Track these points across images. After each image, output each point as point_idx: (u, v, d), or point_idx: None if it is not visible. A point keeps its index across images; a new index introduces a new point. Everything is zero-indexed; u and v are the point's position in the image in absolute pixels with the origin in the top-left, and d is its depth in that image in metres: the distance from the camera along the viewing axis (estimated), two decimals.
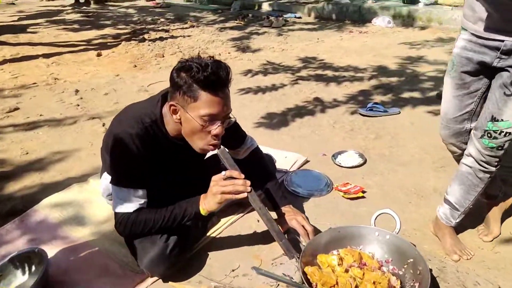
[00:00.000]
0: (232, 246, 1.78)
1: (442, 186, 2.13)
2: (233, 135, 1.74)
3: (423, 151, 2.49)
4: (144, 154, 1.42)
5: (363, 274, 1.28)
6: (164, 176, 1.58)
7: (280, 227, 1.51)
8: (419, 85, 3.61)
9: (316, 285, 1.23)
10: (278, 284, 1.58)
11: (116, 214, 1.48)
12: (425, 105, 3.15)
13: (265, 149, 2.66)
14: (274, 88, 3.69)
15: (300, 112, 3.16)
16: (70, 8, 8.94)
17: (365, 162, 2.42)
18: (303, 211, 1.95)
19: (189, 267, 1.65)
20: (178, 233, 1.53)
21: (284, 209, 1.69)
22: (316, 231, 1.65)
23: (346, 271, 1.30)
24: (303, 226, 1.58)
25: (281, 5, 7.91)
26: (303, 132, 2.84)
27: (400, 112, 3.03)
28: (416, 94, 3.39)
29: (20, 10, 8.77)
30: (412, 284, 1.22)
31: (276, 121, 3.01)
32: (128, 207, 1.44)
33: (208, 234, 1.84)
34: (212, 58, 1.36)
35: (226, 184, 1.37)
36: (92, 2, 9.40)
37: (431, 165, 2.34)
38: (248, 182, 1.38)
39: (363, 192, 2.11)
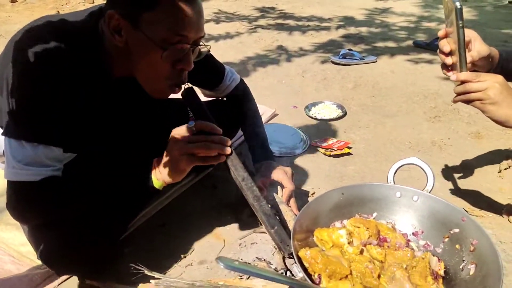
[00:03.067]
0: (183, 222, 1.28)
1: (440, 139, 1.75)
2: (208, 69, 1.21)
3: (411, 101, 2.10)
4: (67, 93, 0.84)
5: (385, 256, 0.83)
6: (97, 133, 1.00)
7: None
8: (391, 34, 3.22)
9: (320, 278, 0.77)
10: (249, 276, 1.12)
11: (10, 184, 0.87)
12: (403, 54, 2.76)
13: None
14: (229, 36, 3.13)
15: (262, 61, 2.65)
16: None
17: (345, 114, 1.98)
18: None
19: (120, 255, 1.13)
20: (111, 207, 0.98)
21: (267, 163, 1.22)
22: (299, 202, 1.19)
23: (361, 252, 0.84)
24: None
25: None
26: (267, 83, 2.34)
27: (377, 60, 2.62)
28: (390, 44, 2.99)
29: None
30: (463, 266, 0.80)
31: (235, 70, 2.47)
32: (33, 173, 0.85)
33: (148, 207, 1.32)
34: None
35: (194, 140, 0.87)
36: None
37: (422, 116, 1.96)
38: (228, 141, 0.89)
39: (349, 147, 1.68)
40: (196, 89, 1.34)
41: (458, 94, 0.88)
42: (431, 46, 2.78)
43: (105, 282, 1.04)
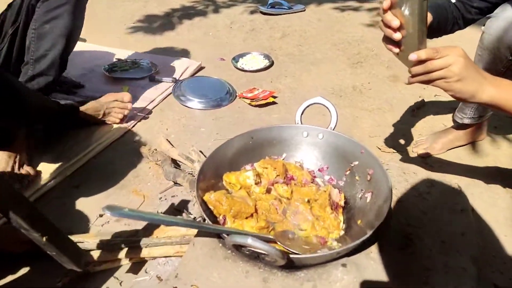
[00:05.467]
0: (100, 182, 1.23)
1: (361, 84, 1.80)
2: None
3: (336, 48, 2.13)
4: None
5: (292, 193, 0.86)
6: None
7: None
8: None
9: (225, 218, 0.77)
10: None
11: None
12: (330, 2, 2.76)
13: (143, 56, 2.05)
14: None
15: (188, 13, 2.53)
16: None
17: (272, 64, 1.97)
18: (200, 126, 1.49)
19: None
20: None
21: None
22: None
23: (268, 191, 0.86)
24: None
25: None
26: (194, 35, 2.25)
27: (305, 9, 2.61)
28: None
29: None
30: (361, 195, 0.84)
31: (159, 24, 2.35)
32: None
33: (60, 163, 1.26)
34: None
35: None
36: None
37: (346, 62, 1.99)
38: None
39: (274, 97, 1.68)
40: None
41: (417, 74, 0.73)
42: None
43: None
